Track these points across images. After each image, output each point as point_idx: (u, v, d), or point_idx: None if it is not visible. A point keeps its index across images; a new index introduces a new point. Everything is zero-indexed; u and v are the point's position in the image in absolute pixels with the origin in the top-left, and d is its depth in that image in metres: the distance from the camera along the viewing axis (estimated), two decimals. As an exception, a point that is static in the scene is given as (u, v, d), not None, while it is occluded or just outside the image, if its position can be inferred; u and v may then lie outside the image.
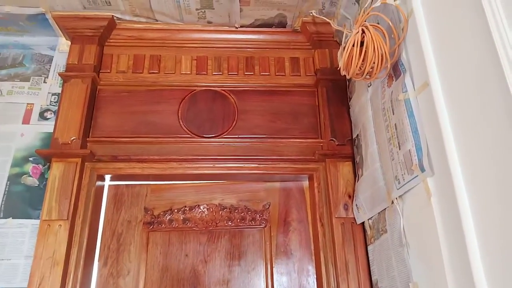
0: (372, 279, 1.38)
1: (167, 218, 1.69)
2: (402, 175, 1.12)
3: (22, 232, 1.54)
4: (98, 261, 1.61)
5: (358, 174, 1.51)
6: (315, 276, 1.59)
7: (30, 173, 1.63)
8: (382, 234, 1.29)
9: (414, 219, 1.10)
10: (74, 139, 1.59)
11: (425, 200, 1.03)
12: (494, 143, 0.80)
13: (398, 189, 1.15)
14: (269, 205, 1.73)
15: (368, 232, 1.43)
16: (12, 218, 1.55)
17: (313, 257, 1.61)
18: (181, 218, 1.69)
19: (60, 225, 1.46)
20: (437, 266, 0.97)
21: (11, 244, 1.52)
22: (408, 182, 1.09)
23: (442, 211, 0.97)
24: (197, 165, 1.64)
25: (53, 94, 1.78)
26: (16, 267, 1.49)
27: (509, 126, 0.76)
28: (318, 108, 1.73)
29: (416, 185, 1.07)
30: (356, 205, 1.47)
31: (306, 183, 1.74)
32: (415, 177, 1.06)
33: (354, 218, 1.50)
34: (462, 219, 0.88)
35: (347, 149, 1.61)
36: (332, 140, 1.64)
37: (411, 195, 1.11)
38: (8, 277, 1.47)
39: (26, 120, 1.73)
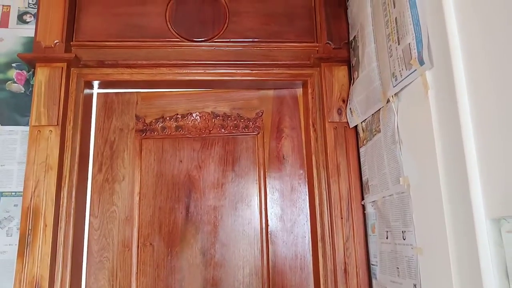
0: (363, 179, 1.41)
1: (160, 126, 1.67)
2: (400, 71, 1.09)
3: (13, 139, 1.52)
4: (92, 167, 1.62)
5: (353, 78, 1.47)
6: (306, 179, 1.62)
7: (15, 79, 1.58)
8: (375, 134, 1.29)
9: (409, 116, 1.09)
10: (57, 42, 1.50)
11: (422, 95, 1.00)
12: (501, 35, 0.76)
13: (394, 87, 1.12)
14: (262, 112, 1.71)
15: (361, 134, 1.43)
16: (1, 125, 1.53)
17: (305, 162, 1.64)
18: (174, 126, 1.68)
19: (51, 130, 1.44)
20: (429, 160, 0.98)
21: (2, 150, 1.51)
22: (405, 77, 1.06)
23: (438, 106, 0.96)
24: (188, 71, 1.59)
25: (30, -4, 1.66)
26: (10, 172, 1.49)
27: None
28: (314, 10, 1.63)
29: (414, 80, 1.04)
30: (350, 108, 1.46)
31: (300, 91, 1.71)
32: (413, 71, 1.03)
33: (347, 122, 1.49)
34: (460, 113, 0.86)
35: (343, 52, 1.55)
36: (328, 43, 1.57)
37: (408, 92, 1.09)
38: (3, 182, 1.48)
39: (4, 24, 1.63)
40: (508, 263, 0.74)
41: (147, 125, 1.67)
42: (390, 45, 1.15)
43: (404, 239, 1.08)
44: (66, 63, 1.50)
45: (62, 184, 1.43)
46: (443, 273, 0.90)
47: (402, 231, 1.09)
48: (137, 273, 1.53)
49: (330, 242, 1.44)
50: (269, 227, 1.60)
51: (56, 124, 1.44)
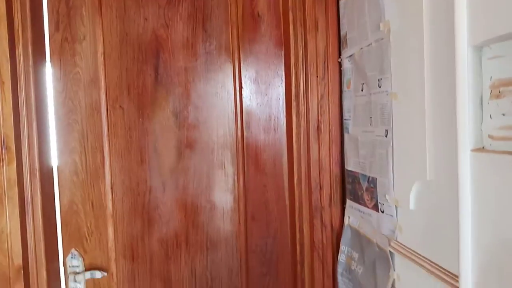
0: (341, 33, 1.34)
1: (120, -22, 1.49)
2: None
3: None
4: (49, 26, 1.47)
5: None
6: (283, 39, 1.54)
7: None
8: (357, -20, 1.18)
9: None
10: None
11: None
12: None
13: None
14: (235, -36, 1.54)
15: (342, -15, 1.32)
16: None
17: (282, 19, 1.53)
18: (136, -22, 1.50)
19: (-8, -23, 1.25)
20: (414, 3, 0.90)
21: None
22: None
23: None
24: None
25: None
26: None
27: None
28: None
29: None
30: (332, -45, 1.32)
31: None
32: None
33: (328, -28, 1.36)
34: None
35: None
36: None
37: None
38: None
39: None
40: (484, 91, 0.72)
41: (106, -23, 1.49)
42: None
43: (380, 87, 1.05)
44: None
45: (16, 40, 1.31)
46: (416, 114, 0.90)
47: (378, 79, 1.06)
48: (108, 135, 1.50)
49: (304, 102, 1.42)
50: (243, 89, 1.56)
51: (-3, -31, 1.25)
